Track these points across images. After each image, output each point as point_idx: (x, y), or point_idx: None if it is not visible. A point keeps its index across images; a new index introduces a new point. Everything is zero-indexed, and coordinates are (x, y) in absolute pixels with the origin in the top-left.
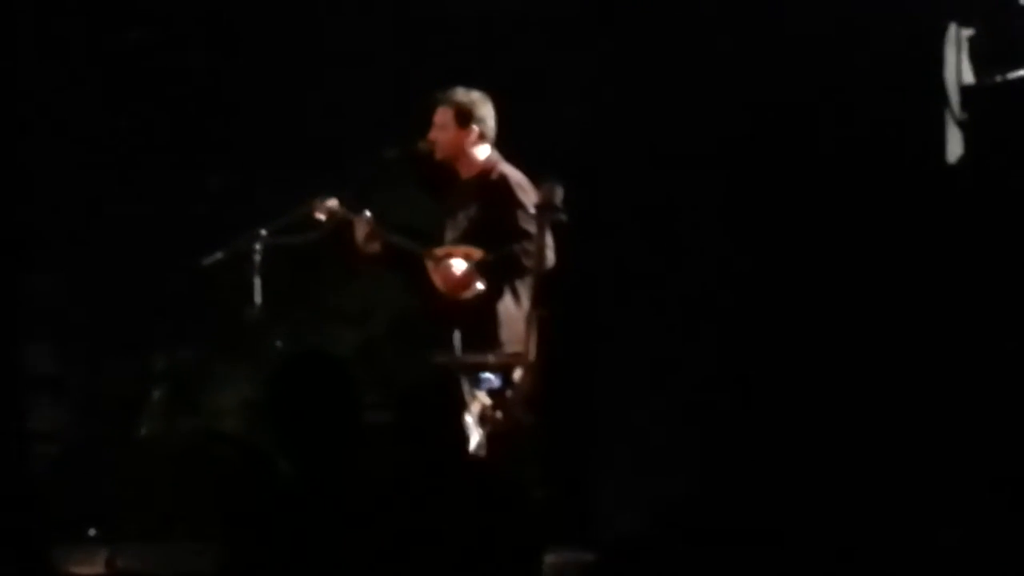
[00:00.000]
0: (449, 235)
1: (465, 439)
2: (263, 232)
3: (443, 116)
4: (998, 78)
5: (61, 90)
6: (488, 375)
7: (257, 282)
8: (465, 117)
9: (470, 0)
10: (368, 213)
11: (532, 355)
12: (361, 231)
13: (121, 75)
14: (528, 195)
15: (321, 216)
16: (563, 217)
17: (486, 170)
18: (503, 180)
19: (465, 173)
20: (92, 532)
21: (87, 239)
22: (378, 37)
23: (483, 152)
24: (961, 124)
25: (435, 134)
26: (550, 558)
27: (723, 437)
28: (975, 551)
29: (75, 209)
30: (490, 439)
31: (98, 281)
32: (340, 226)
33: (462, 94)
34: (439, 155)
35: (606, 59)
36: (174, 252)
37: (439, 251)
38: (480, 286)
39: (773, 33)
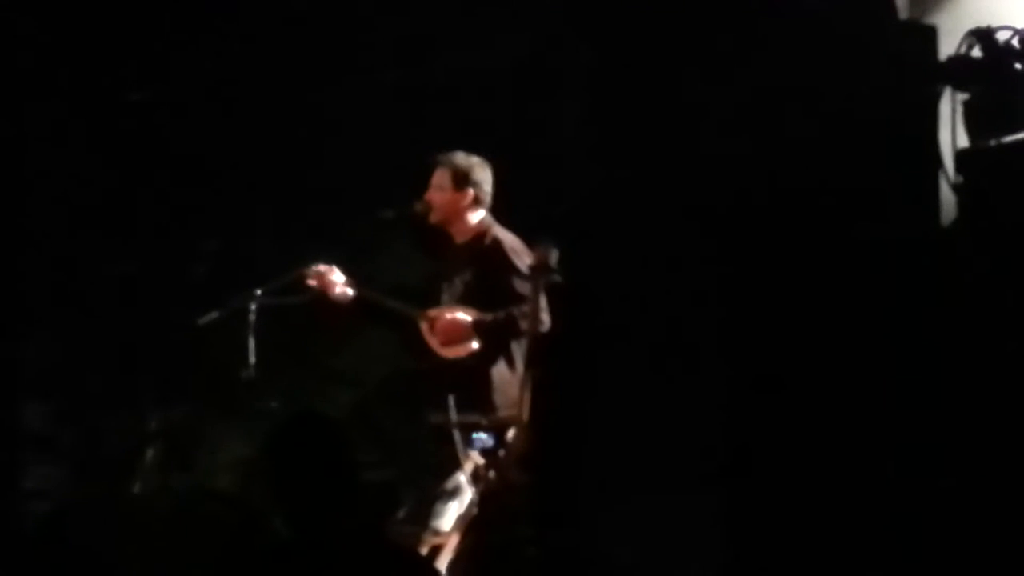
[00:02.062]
0: (445, 299)
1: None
2: (258, 292)
3: (441, 178)
4: (992, 142)
5: (58, 150)
6: (481, 435)
7: (252, 342)
8: (462, 180)
9: (465, 64)
10: (344, 278)
11: (525, 415)
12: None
13: (118, 135)
14: (522, 258)
15: (313, 283)
16: (558, 279)
17: (480, 234)
18: (497, 244)
19: (459, 237)
20: None
21: (83, 298)
22: (375, 100)
23: (476, 216)
24: (955, 188)
25: (431, 195)
26: None
27: (717, 498)
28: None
29: (71, 268)
30: (483, 498)
31: (93, 340)
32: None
33: (461, 158)
34: (433, 218)
35: (600, 122)
36: (169, 312)
37: (433, 312)
38: (475, 344)
39: (768, 96)
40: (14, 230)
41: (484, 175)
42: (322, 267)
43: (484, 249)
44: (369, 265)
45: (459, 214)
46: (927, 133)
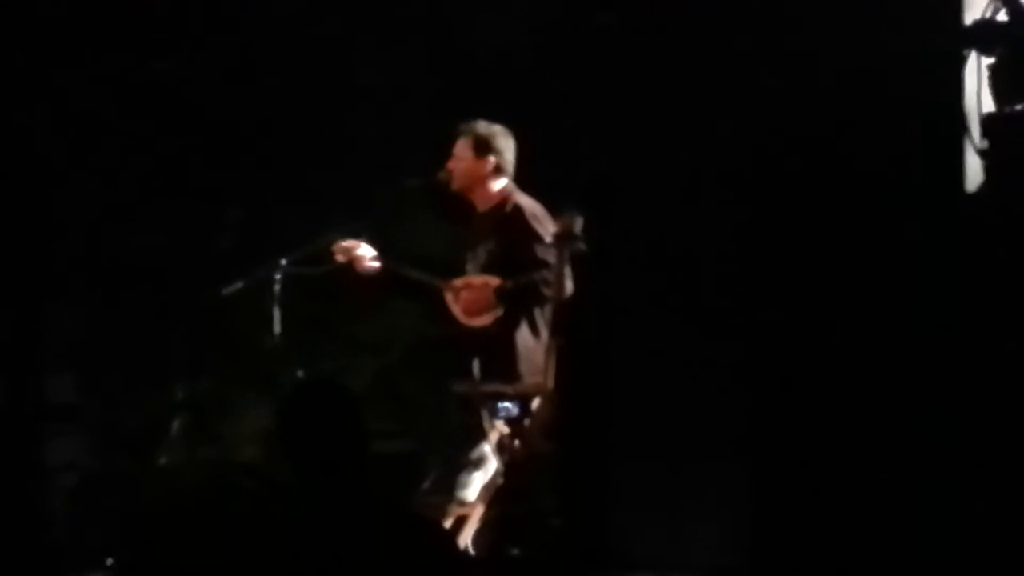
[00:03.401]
0: (469, 268)
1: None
2: (283, 262)
3: (462, 146)
4: (1018, 106)
5: (82, 121)
6: (506, 404)
7: (277, 312)
8: (483, 147)
9: (490, 33)
10: (374, 251)
11: (550, 384)
12: (366, 263)
13: (143, 106)
14: (544, 225)
15: (340, 258)
16: (582, 246)
17: (502, 202)
18: (518, 211)
19: (481, 205)
20: (109, 562)
21: (107, 270)
22: (399, 69)
23: (499, 184)
24: (981, 153)
25: (453, 164)
26: None
27: (743, 467)
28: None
29: (96, 240)
30: (508, 468)
31: (118, 311)
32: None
33: (483, 126)
34: (455, 185)
35: (626, 88)
36: (194, 282)
37: (457, 282)
38: (498, 313)
39: (792, 62)
40: (37, 201)
41: (506, 143)
42: (349, 242)
43: (506, 216)
44: (393, 235)
45: (481, 182)
46: (952, 98)
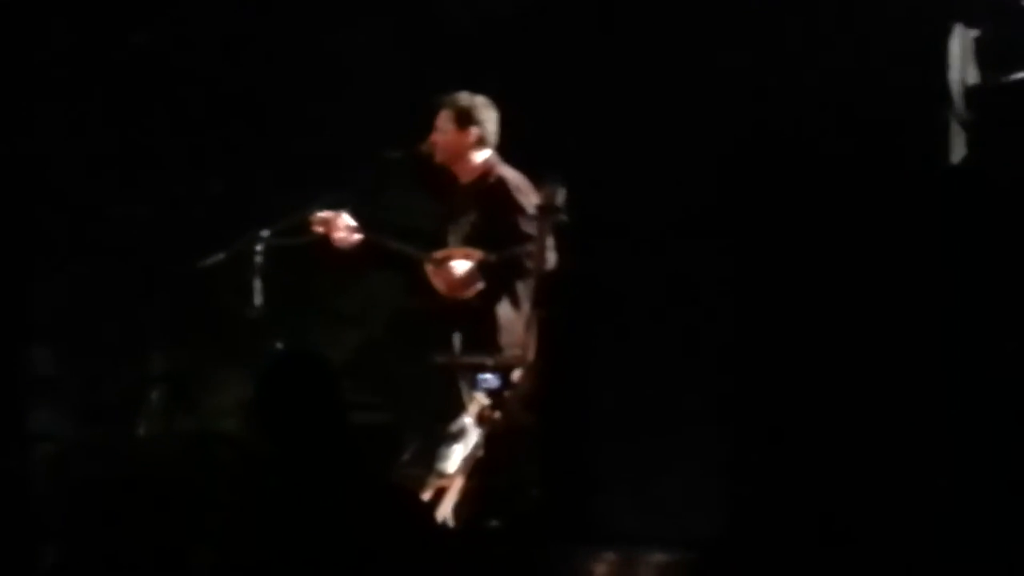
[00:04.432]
0: (452, 240)
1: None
2: (264, 234)
3: (444, 118)
4: (1003, 79)
5: (63, 93)
6: (487, 376)
7: (257, 283)
8: (465, 119)
9: (472, 4)
10: (354, 223)
11: (531, 356)
12: (345, 235)
13: (123, 78)
14: (527, 197)
15: (319, 229)
16: (564, 218)
17: (484, 173)
18: (500, 183)
19: (464, 177)
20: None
21: (87, 241)
22: (380, 40)
23: (482, 155)
24: (965, 125)
25: (436, 136)
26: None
27: (723, 439)
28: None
29: (76, 211)
30: (488, 440)
31: (98, 282)
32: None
33: (464, 97)
34: (438, 157)
35: (609, 59)
36: (174, 254)
37: (439, 254)
38: (479, 286)
39: (776, 35)
40: (18, 175)
41: (488, 114)
42: (329, 213)
43: (488, 188)
44: (375, 206)
45: (463, 153)
46: (937, 70)
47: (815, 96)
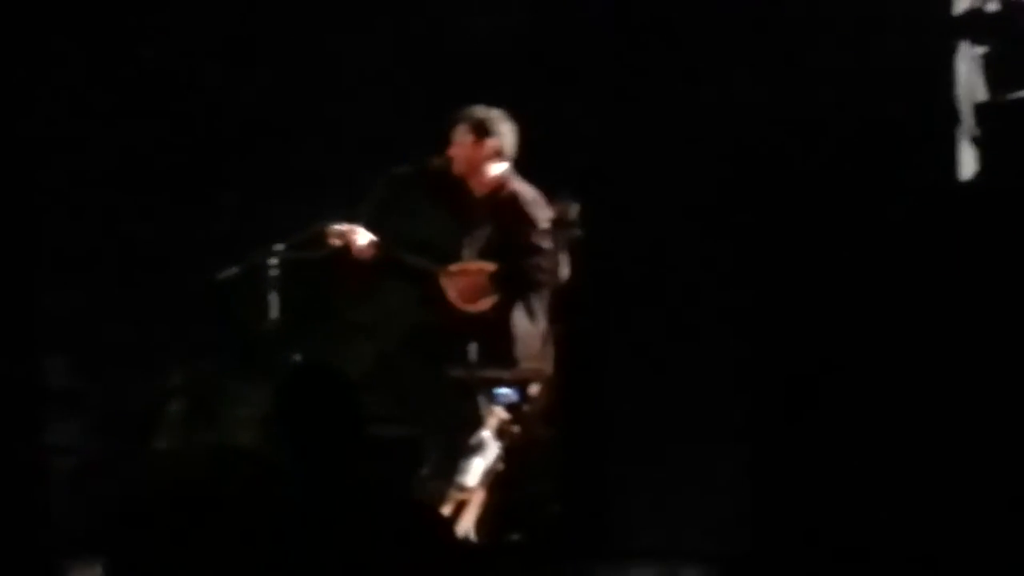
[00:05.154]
0: (466, 253)
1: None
2: (279, 247)
3: (461, 131)
4: (1011, 95)
5: (77, 106)
6: (505, 389)
7: (273, 297)
8: (482, 130)
9: (486, 19)
10: (371, 236)
11: (548, 370)
12: (362, 248)
13: (136, 92)
14: (541, 211)
15: (336, 242)
16: (578, 233)
17: (498, 187)
18: (513, 197)
19: (478, 190)
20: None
21: (104, 253)
22: (392, 54)
23: (497, 168)
24: (974, 141)
25: (453, 150)
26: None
27: (743, 452)
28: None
29: (92, 224)
30: (507, 453)
31: (115, 295)
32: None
33: (481, 110)
34: (455, 170)
35: (623, 74)
36: (190, 267)
37: (453, 268)
38: (494, 299)
39: (786, 50)
40: (34, 185)
41: (505, 127)
42: (344, 226)
43: (501, 201)
44: (388, 221)
45: (480, 166)
46: (945, 87)
47: (823, 113)
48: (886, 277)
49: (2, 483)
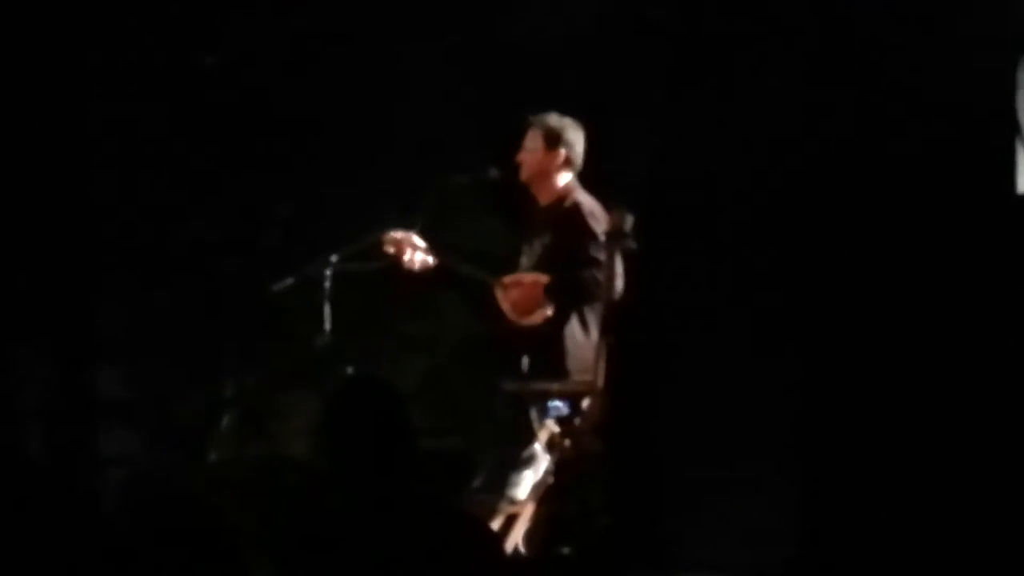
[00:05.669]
0: (525, 262)
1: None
2: (333, 259)
3: (532, 137)
4: None
5: (131, 115)
6: (557, 403)
7: (327, 309)
8: (554, 139)
9: (542, 27)
10: (426, 244)
11: (601, 383)
12: (414, 256)
13: (192, 100)
14: (600, 223)
15: (390, 250)
16: (633, 245)
17: (562, 197)
18: (576, 208)
19: (544, 199)
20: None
21: (157, 265)
22: (450, 63)
23: (564, 178)
24: None
25: (523, 156)
26: None
27: (794, 465)
28: None
29: (146, 235)
30: (558, 467)
31: (169, 307)
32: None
33: (554, 118)
34: (523, 176)
35: (678, 86)
36: (245, 278)
37: (508, 279)
38: (548, 311)
39: (844, 62)
40: (87, 196)
41: (576, 136)
42: (400, 234)
43: (563, 212)
44: (443, 231)
45: (548, 175)
46: (1004, 99)
47: (883, 123)
48: (944, 290)
49: (55, 493)
